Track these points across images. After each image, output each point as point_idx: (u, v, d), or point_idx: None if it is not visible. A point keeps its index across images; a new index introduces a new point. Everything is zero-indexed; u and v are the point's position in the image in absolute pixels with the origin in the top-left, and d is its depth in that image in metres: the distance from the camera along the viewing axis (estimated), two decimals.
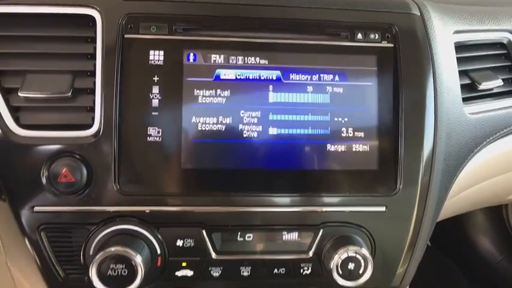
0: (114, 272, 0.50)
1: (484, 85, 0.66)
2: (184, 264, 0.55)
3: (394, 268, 0.58)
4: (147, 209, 0.53)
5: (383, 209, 0.56)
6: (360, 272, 0.54)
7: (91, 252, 0.53)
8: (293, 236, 0.56)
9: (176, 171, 0.53)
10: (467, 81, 0.65)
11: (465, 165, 0.64)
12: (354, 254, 0.53)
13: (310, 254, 0.56)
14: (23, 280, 0.57)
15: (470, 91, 0.66)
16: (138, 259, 0.50)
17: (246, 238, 0.55)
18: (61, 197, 0.52)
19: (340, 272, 0.53)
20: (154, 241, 0.53)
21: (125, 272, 0.50)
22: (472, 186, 0.72)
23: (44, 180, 0.51)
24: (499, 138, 0.67)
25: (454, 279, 1.79)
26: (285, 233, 0.56)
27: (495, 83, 0.67)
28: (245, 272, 0.56)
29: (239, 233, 0.55)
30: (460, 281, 1.78)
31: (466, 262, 1.77)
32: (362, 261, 0.53)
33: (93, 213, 0.52)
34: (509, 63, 0.70)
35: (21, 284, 0.58)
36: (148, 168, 0.53)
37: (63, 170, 0.51)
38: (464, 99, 0.64)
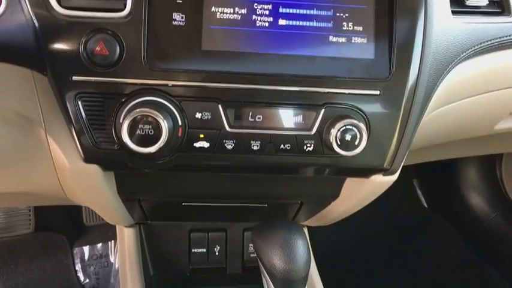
0: (142, 131, 0.58)
1: (471, 1, 0.73)
2: (201, 135, 0.62)
3: (385, 149, 0.66)
4: (170, 82, 0.60)
5: (377, 92, 0.63)
6: (356, 142, 0.62)
7: (121, 120, 0.60)
8: (298, 114, 0.63)
9: (197, 52, 0.61)
10: None
11: (450, 69, 0.71)
12: (351, 126, 0.61)
13: (313, 131, 0.64)
14: (58, 150, 0.65)
15: (458, 6, 0.73)
16: (163, 122, 0.58)
17: (256, 114, 0.63)
18: (96, 68, 0.59)
19: (339, 143, 0.61)
20: (176, 113, 0.61)
21: (151, 132, 0.58)
22: (452, 101, 0.79)
23: (81, 53, 0.59)
24: (485, 51, 0.75)
25: (447, 238, 1.86)
26: (291, 111, 0.63)
27: (481, 1, 0.74)
28: (255, 146, 0.64)
29: (250, 109, 0.63)
30: (455, 239, 1.85)
31: (460, 220, 1.85)
32: (357, 133, 0.61)
33: (124, 85, 0.60)
34: None
35: (57, 154, 0.65)
36: (173, 48, 0.61)
37: (99, 43, 0.58)
38: (453, 13, 0.71)
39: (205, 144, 0.63)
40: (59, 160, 0.66)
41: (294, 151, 0.64)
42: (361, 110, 0.64)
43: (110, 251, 1.64)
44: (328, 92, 0.63)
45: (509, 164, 1.73)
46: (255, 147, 0.64)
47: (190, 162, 0.64)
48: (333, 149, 0.62)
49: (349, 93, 0.63)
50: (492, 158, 1.77)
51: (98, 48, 0.59)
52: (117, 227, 0.95)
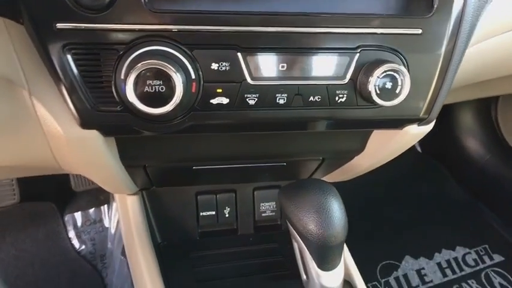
0: (151, 88, 0.49)
1: None
2: (219, 90, 0.53)
3: (424, 96, 0.58)
4: (178, 27, 0.50)
5: (419, 31, 0.55)
6: (397, 91, 0.54)
7: (122, 76, 0.50)
8: (329, 60, 0.55)
9: None
10: None
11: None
12: (392, 72, 0.53)
13: (346, 79, 0.55)
14: (47, 115, 0.54)
15: None
16: (176, 76, 0.48)
17: (281, 62, 0.54)
18: (85, 12, 0.48)
19: (378, 92, 0.53)
20: (188, 64, 0.51)
21: (162, 88, 0.49)
22: (493, 35, 0.71)
23: None
24: None
25: (442, 181, 1.87)
26: (321, 57, 0.54)
27: None
28: (281, 99, 0.55)
29: (275, 57, 0.53)
30: (449, 182, 1.87)
31: (454, 163, 1.85)
32: (400, 80, 0.53)
33: (121, 32, 0.49)
34: None
35: (47, 120, 0.55)
36: None
37: None
38: None
39: (224, 100, 0.54)
40: (50, 127, 0.56)
41: (324, 103, 0.56)
42: (400, 53, 0.56)
43: (103, 216, 1.57)
44: (362, 33, 0.54)
45: (504, 106, 1.71)
46: (281, 101, 0.55)
47: (207, 121, 0.56)
48: (371, 99, 0.54)
49: (387, 33, 0.55)
50: (487, 100, 1.74)
51: None
52: (117, 196, 0.87)
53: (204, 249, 0.91)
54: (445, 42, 0.56)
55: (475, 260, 1.54)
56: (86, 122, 0.54)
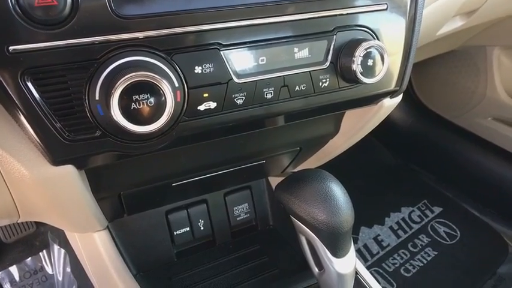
0: (139, 104, 0.43)
1: None
2: (206, 95, 0.49)
3: (396, 68, 0.61)
4: (152, 32, 0.45)
5: (385, 6, 0.56)
6: (378, 67, 0.55)
7: (97, 97, 0.44)
8: (309, 46, 0.53)
9: None
10: None
11: None
12: (372, 49, 0.54)
13: (327, 63, 0.55)
14: (6, 156, 0.45)
15: None
16: (166, 85, 0.43)
17: (265, 55, 0.51)
18: (42, 29, 0.40)
19: (362, 70, 0.54)
20: (169, 72, 0.46)
21: (151, 102, 0.43)
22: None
23: (13, 7, 0.39)
24: None
25: (373, 149, 2.00)
26: (301, 44, 0.53)
27: None
28: (268, 94, 0.53)
29: (259, 50, 0.51)
30: (380, 150, 2.00)
31: (382, 131, 1.99)
32: (379, 56, 0.54)
33: (88, 46, 0.42)
34: None
35: (7, 162, 0.45)
36: None
37: None
38: None
39: (212, 105, 0.50)
40: (11, 170, 0.46)
41: (309, 91, 0.55)
42: (371, 30, 0.57)
43: (44, 263, 1.39)
44: (337, 15, 0.54)
45: (417, 73, 1.87)
46: (269, 95, 0.53)
47: (196, 131, 0.51)
48: (356, 78, 0.54)
49: (359, 12, 0.55)
50: None
51: None
52: (77, 236, 0.77)
53: (185, 270, 0.85)
54: (407, 12, 0.59)
55: (419, 216, 1.68)
56: (58, 157, 0.45)
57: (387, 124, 1.96)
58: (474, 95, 1.62)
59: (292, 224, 0.64)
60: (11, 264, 1.34)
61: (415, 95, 1.87)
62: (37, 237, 1.41)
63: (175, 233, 0.85)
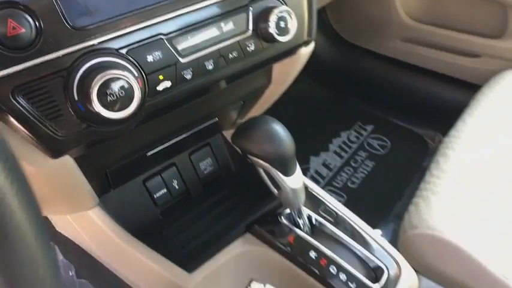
0: (113, 96, 0.55)
1: None
2: (161, 77, 0.61)
3: (303, 22, 0.75)
4: (107, 36, 0.55)
5: None
6: (289, 25, 0.69)
7: (76, 97, 0.55)
8: (232, 20, 0.67)
9: None
10: None
11: None
12: (281, 13, 0.68)
13: (250, 31, 0.68)
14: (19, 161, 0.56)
15: None
16: (130, 76, 0.55)
17: (198, 35, 0.64)
18: (17, 53, 0.50)
19: (278, 32, 0.68)
20: (128, 65, 0.57)
21: (122, 93, 0.55)
22: None
23: None
24: None
25: (302, 84, 2.17)
26: (226, 20, 0.66)
27: None
28: (209, 65, 0.66)
29: (192, 33, 0.63)
30: (309, 83, 2.18)
31: (313, 70, 2.17)
32: (288, 17, 0.69)
33: (57, 59, 0.53)
34: None
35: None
36: None
37: (7, 22, 0.48)
38: None
39: (168, 84, 0.62)
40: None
41: (241, 57, 0.69)
42: None
43: None
44: None
45: (334, 11, 2.03)
46: (210, 67, 0.66)
47: (159, 105, 0.64)
48: (274, 39, 0.69)
49: None
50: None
51: (10, 28, 0.49)
52: (74, 220, 0.87)
53: (172, 223, 1.00)
54: None
55: (356, 136, 1.93)
56: (56, 152, 0.57)
57: (315, 62, 2.15)
58: (383, 21, 1.82)
59: (250, 164, 0.80)
60: None
61: (334, 31, 2.06)
62: None
63: (155, 196, 0.98)
